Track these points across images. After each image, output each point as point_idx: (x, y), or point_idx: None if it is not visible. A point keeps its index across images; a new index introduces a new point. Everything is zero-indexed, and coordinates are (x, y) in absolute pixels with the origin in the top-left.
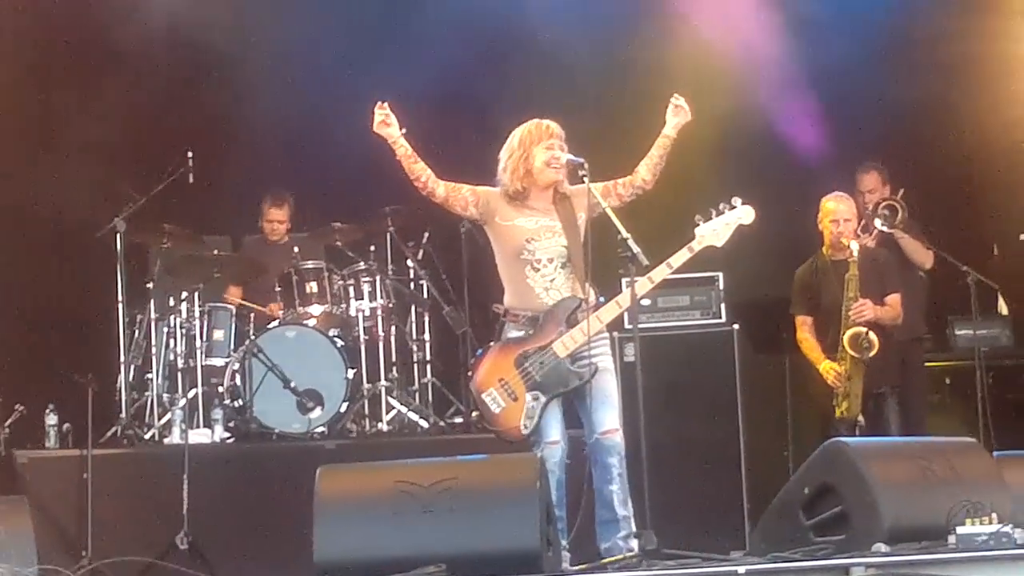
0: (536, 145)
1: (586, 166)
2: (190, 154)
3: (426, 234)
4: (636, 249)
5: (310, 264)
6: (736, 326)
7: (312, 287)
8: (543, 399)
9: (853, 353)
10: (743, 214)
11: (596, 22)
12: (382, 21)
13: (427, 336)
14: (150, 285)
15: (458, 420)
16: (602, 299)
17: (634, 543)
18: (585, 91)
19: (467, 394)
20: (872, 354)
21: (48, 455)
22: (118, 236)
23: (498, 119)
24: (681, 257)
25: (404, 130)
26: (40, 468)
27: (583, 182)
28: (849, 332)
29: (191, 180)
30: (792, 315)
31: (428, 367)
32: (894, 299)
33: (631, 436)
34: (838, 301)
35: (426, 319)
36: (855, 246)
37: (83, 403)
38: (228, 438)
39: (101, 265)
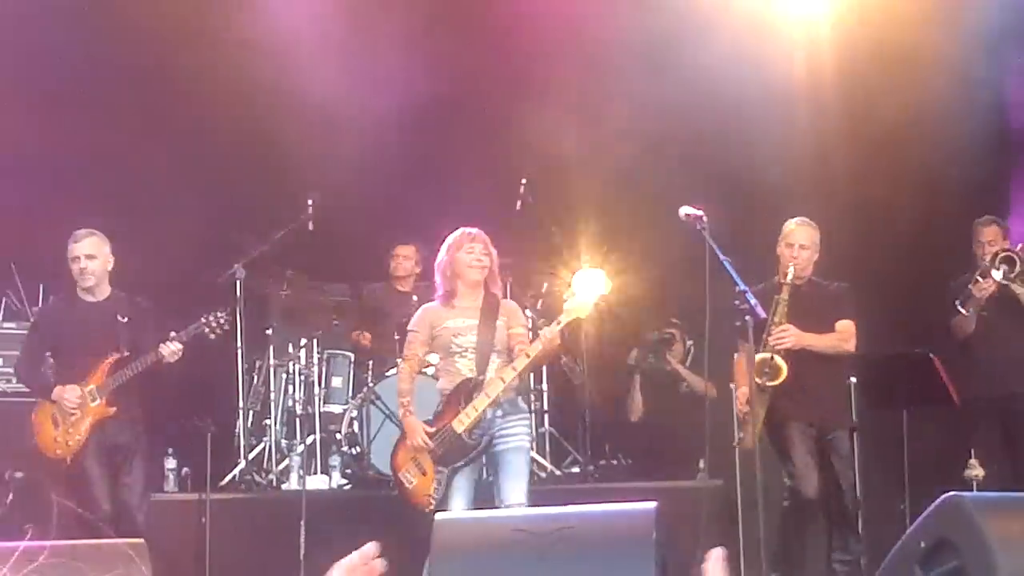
0: (459, 250)
1: (705, 219)
2: (310, 201)
3: (544, 284)
4: (754, 301)
5: None
6: (854, 379)
7: None
8: (446, 472)
9: (756, 379)
10: (601, 286)
11: None
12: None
13: (545, 386)
14: (269, 332)
15: (575, 470)
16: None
17: None
18: None
19: (585, 444)
20: (775, 383)
21: (167, 499)
22: (238, 283)
23: None
24: (551, 332)
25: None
26: (159, 512)
27: (703, 234)
28: (757, 358)
29: (311, 227)
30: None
31: (546, 417)
32: (845, 325)
33: (749, 485)
34: None
35: (544, 370)
36: (792, 270)
37: (202, 448)
38: (345, 485)
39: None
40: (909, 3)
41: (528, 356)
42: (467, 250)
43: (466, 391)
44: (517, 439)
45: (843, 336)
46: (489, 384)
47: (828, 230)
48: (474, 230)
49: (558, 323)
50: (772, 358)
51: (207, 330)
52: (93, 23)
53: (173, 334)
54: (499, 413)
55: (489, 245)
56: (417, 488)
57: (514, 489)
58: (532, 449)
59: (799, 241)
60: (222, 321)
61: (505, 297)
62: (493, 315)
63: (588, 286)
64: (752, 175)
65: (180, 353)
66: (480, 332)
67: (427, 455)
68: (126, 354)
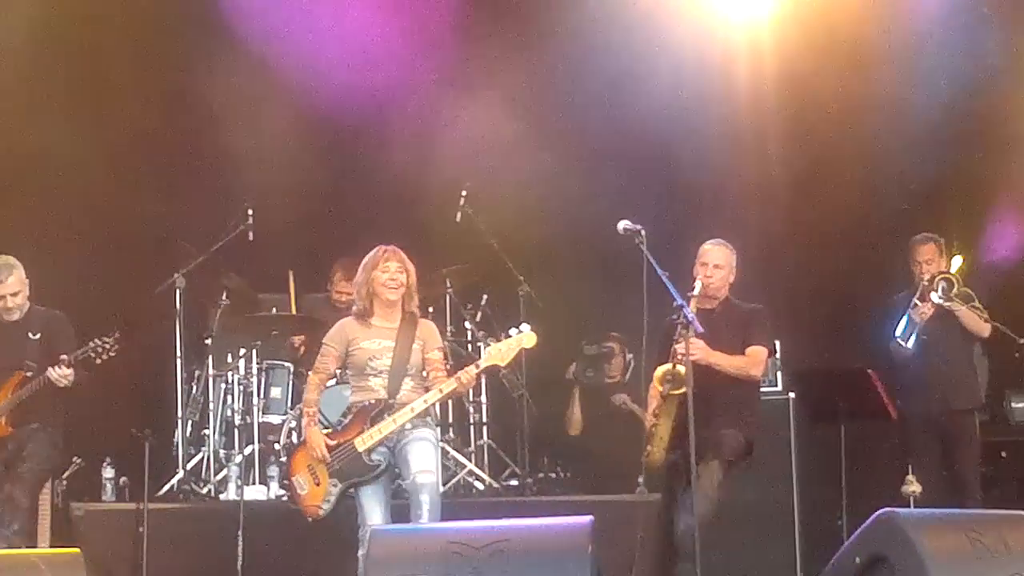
0: (375, 269)
1: (643, 233)
2: (250, 212)
3: (484, 296)
4: (692, 316)
5: None
6: (792, 395)
7: None
8: (341, 486)
9: (658, 387)
10: (525, 339)
11: None
12: None
13: (484, 398)
14: (208, 341)
15: (513, 482)
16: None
17: None
18: None
19: (523, 457)
20: (678, 392)
21: (104, 508)
22: (177, 292)
23: None
24: (468, 375)
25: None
26: (96, 521)
27: (640, 248)
28: (661, 369)
29: (251, 237)
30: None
31: (484, 429)
32: (754, 351)
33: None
34: None
35: (483, 381)
36: (698, 285)
37: (140, 457)
38: (283, 495)
39: (160, 320)
40: (850, 7)
41: (441, 392)
42: (382, 269)
43: (375, 411)
44: (424, 431)
45: (752, 361)
46: (398, 410)
47: (768, 241)
48: (389, 247)
49: (476, 367)
50: (675, 368)
51: (93, 355)
52: (30, 26)
53: (63, 357)
54: (406, 427)
55: (406, 263)
56: (308, 496)
57: (422, 458)
58: (438, 448)
59: (713, 261)
60: (108, 346)
61: (444, 308)
62: (410, 338)
63: (517, 338)
64: (692, 185)
65: (71, 377)
66: (395, 354)
67: (324, 466)
68: (28, 374)
